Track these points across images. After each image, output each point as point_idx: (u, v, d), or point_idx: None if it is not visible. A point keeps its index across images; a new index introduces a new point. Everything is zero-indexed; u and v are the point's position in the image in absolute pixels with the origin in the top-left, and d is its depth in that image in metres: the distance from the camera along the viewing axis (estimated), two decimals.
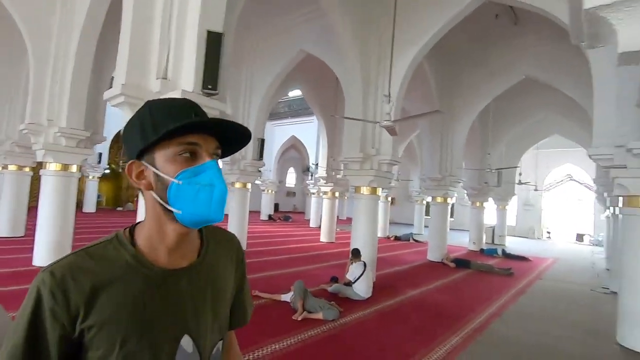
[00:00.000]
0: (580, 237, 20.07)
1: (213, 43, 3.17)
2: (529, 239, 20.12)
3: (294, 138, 20.72)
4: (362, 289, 5.55)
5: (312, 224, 17.68)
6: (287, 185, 30.96)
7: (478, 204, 13.16)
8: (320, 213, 14.74)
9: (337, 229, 13.49)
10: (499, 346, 4.18)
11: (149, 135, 0.64)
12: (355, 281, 5.59)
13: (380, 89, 6.30)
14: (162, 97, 3.22)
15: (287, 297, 4.93)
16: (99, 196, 19.32)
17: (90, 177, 17.51)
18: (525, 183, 15.41)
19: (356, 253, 5.97)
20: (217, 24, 3.30)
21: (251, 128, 8.86)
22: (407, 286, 6.72)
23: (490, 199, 14.38)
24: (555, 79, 8.63)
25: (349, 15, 6.08)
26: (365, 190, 6.62)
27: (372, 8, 6.35)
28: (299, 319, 4.35)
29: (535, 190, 19.41)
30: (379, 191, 6.73)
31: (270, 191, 21.25)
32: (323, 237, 12.69)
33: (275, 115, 20.63)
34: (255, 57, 8.85)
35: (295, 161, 28.55)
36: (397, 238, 14.95)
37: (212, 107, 3.30)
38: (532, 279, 8.48)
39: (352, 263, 5.86)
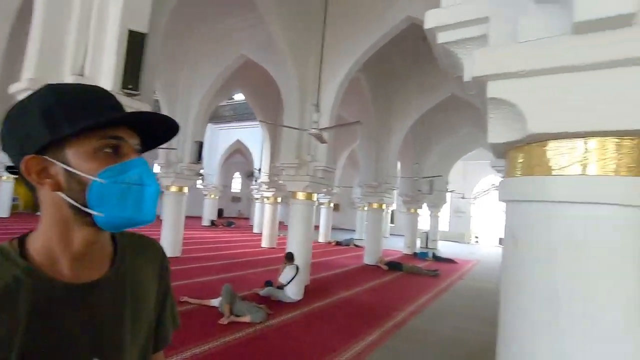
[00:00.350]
0: (502, 241, 22.22)
1: (135, 43, 3.13)
2: (460, 243, 21.78)
3: (238, 142, 20.39)
4: (293, 291, 5.68)
5: (255, 230, 17.48)
6: (232, 190, 30.27)
7: (412, 210, 14.02)
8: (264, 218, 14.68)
9: (280, 234, 13.52)
10: (415, 340, 4.55)
11: (61, 127, 0.54)
12: (287, 284, 5.71)
13: (317, 99, 6.55)
14: None
15: (216, 302, 4.90)
16: (14, 199, 17.32)
17: (4, 177, 15.66)
18: (451, 191, 16.76)
19: (290, 257, 6.09)
20: (141, 23, 3.26)
21: (189, 130, 8.67)
22: (340, 288, 6.98)
23: (425, 206, 15.41)
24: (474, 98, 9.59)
25: (287, 24, 6.26)
26: (300, 195, 6.79)
27: (310, 20, 6.60)
28: (225, 322, 4.35)
29: (463, 198, 21.14)
30: (315, 196, 6.94)
31: (213, 196, 20.65)
32: (264, 243, 12.66)
33: (219, 118, 20.17)
34: (195, 58, 8.69)
35: (240, 166, 28.04)
36: (338, 243, 15.36)
37: (133, 108, 3.24)
38: (454, 279, 9.24)
39: (285, 266, 5.97)
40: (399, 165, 13.67)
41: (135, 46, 3.12)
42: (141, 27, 3.25)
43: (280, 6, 6.03)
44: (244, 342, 3.95)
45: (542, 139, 1.25)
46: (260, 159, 16.32)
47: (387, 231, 22.74)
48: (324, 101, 6.53)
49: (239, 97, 19.27)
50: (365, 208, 19.78)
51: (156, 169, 9.04)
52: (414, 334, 4.76)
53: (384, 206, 10.72)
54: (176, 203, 8.81)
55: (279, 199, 13.14)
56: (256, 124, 18.44)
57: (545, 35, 1.19)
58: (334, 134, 7.23)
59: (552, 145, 1.26)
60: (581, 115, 1.14)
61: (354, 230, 21.12)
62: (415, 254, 13.31)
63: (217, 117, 20.00)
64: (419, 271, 9.58)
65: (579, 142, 1.20)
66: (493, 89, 1.28)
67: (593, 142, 1.18)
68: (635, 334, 1.07)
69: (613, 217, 1.13)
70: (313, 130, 4.97)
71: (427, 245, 16.76)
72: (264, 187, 13.31)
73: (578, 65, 1.11)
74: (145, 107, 3.34)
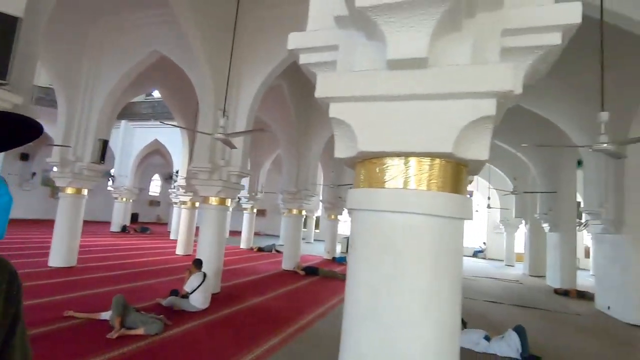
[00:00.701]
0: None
1: (5, 27, 2.79)
2: None
3: (157, 142, 19.06)
4: (198, 300, 5.48)
5: (172, 236, 16.43)
6: (150, 193, 28.09)
7: (333, 216, 14.52)
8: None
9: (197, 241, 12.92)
10: (315, 341, 4.71)
11: None
12: (192, 292, 5.49)
13: (233, 103, 6.49)
14: None
15: (107, 315, 4.50)
16: None
17: None
18: None
19: (197, 264, 5.88)
20: (15, 6, 2.92)
21: (91, 127, 7.90)
22: (252, 295, 6.92)
23: (345, 212, 16.06)
24: None
25: (201, 24, 6.09)
26: (213, 200, 6.62)
27: (225, 22, 6.50)
28: (114, 336, 4.02)
29: None
30: (228, 202, 6.82)
31: (125, 199, 18.94)
32: (179, 250, 11.99)
33: (136, 115, 18.67)
34: (101, 51, 7.97)
35: (160, 168, 26.20)
36: (260, 249, 15.18)
37: (1, 99, 2.88)
38: None
39: (190, 274, 5.74)
40: (322, 173, 14.12)
41: (4, 30, 2.78)
42: (15, 9, 2.92)
43: (194, 3, 5.86)
44: (134, 356, 3.69)
45: (372, 156, 1.44)
46: (180, 161, 15.50)
47: (312, 237, 23.17)
48: (240, 106, 6.49)
49: (158, 94, 18.06)
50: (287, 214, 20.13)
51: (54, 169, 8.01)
52: (315, 335, 4.93)
53: (303, 212, 10.94)
54: (72, 207, 7.91)
55: (197, 204, 12.59)
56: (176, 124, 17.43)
57: (373, 67, 1.39)
58: (252, 139, 7.22)
59: (383, 161, 1.45)
60: (397, 138, 1.35)
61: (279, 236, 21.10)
62: (334, 259, 13.77)
63: (133, 114, 18.50)
64: (334, 275, 9.94)
65: (401, 161, 1.40)
66: (333, 110, 1.44)
67: (412, 161, 1.39)
68: (431, 320, 1.29)
69: (422, 224, 1.34)
70: (218, 135, 4.91)
71: (347, 250, 17.39)
72: (181, 190, 12.65)
73: (390, 95, 1.31)
74: (17, 99, 2.99)
